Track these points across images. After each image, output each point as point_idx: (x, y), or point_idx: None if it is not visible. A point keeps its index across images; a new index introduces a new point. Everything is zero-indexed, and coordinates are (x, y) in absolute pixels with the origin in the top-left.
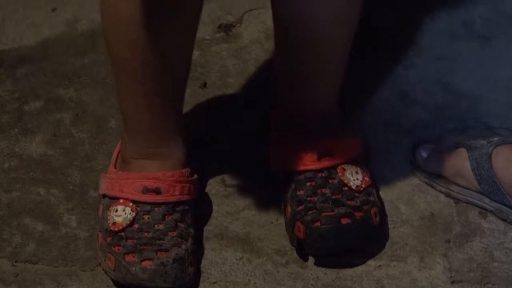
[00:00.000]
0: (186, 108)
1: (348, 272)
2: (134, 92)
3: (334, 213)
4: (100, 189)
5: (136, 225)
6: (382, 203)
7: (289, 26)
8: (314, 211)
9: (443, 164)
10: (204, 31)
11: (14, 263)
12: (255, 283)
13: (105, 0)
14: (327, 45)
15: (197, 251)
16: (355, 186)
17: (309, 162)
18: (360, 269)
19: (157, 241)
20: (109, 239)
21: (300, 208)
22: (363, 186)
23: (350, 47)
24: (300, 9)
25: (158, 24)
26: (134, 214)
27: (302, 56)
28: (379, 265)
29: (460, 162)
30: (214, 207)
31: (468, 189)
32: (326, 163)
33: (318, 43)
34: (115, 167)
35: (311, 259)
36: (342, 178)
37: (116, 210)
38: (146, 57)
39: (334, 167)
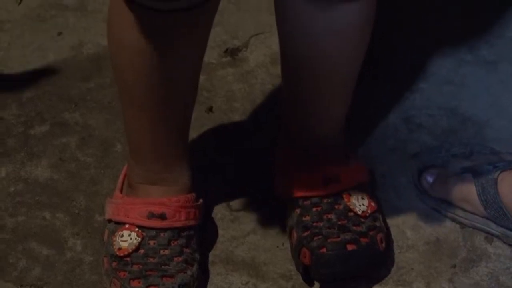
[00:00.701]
0: (191, 132)
1: None
2: (139, 118)
3: (339, 239)
4: (105, 214)
5: (141, 251)
6: (388, 228)
7: (295, 51)
8: (320, 237)
9: (448, 189)
10: (210, 55)
11: (20, 287)
12: None
13: (110, 29)
14: (333, 71)
15: (203, 276)
16: (361, 211)
17: (315, 188)
18: None
19: (163, 267)
20: (114, 264)
21: (306, 233)
22: (369, 211)
23: (357, 74)
24: (306, 35)
25: (163, 52)
26: (139, 239)
27: (308, 82)
28: None
29: (466, 187)
30: (220, 232)
31: (474, 214)
32: (332, 188)
33: (324, 69)
34: (121, 192)
35: (316, 285)
36: (348, 203)
37: (122, 235)
38: (151, 84)
39: (340, 193)
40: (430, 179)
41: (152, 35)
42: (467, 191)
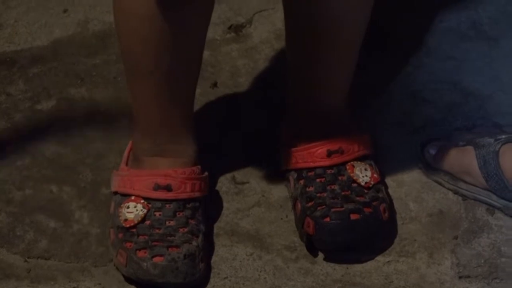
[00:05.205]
0: (196, 107)
1: (357, 267)
2: (145, 90)
3: (343, 209)
4: (111, 186)
5: (147, 222)
6: (391, 200)
7: (301, 22)
8: (323, 207)
9: (451, 161)
10: (214, 32)
11: (27, 259)
12: (265, 278)
13: None
14: (338, 41)
15: (208, 247)
16: (364, 182)
17: (319, 159)
18: (369, 264)
19: (168, 238)
20: (120, 235)
21: (310, 204)
22: (372, 182)
23: (360, 44)
24: (312, 4)
25: (172, 20)
26: (145, 210)
27: (314, 53)
28: (388, 261)
29: (467, 160)
30: (225, 204)
31: (476, 186)
32: (335, 159)
33: (329, 39)
34: (126, 165)
35: (320, 255)
36: (351, 174)
37: (128, 207)
38: (159, 53)
39: (344, 164)
40: (432, 151)
41: (161, 1)
42: (468, 164)
